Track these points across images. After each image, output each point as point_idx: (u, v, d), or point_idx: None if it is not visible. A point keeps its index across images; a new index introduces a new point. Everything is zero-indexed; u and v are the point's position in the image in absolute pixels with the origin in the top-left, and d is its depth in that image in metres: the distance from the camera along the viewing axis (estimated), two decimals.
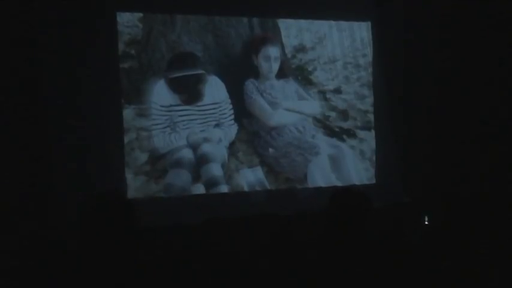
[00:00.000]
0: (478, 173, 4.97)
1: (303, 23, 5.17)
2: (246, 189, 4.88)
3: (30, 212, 4.16)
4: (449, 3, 5.14)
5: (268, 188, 4.96)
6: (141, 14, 4.67)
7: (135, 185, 4.56)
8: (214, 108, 4.80)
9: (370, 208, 2.43)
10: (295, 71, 5.16)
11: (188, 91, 4.74)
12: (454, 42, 5.20)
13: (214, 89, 4.82)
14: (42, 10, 4.26)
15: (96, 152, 4.39)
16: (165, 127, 4.68)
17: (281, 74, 5.06)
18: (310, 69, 5.20)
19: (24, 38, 4.21)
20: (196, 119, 4.75)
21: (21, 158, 4.18)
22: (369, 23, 5.39)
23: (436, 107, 5.25)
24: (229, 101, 4.86)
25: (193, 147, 4.73)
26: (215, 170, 4.76)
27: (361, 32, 5.37)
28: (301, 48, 5.19)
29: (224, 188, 4.79)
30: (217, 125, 4.82)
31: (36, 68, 4.27)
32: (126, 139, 4.56)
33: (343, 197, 2.49)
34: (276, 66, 5.02)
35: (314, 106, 5.19)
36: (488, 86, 5.09)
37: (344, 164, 5.16)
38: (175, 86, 4.70)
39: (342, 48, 5.31)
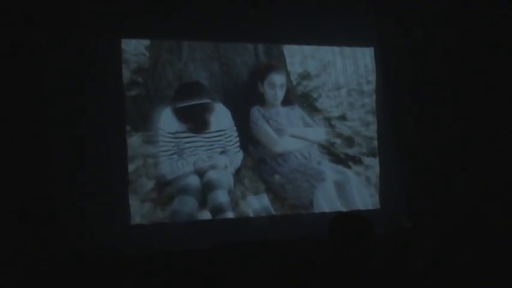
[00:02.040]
0: (483, 199, 4.97)
1: (308, 50, 5.22)
2: (251, 215, 4.88)
3: (33, 239, 4.18)
4: (451, 27, 5.19)
5: (274, 214, 4.95)
6: (148, 42, 4.73)
7: (141, 212, 4.57)
8: (220, 135, 4.83)
9: (371, 231, 2.42)
10: (301, 98, 5.20)
11: (194, 121, 4.78)
12: (457, 66, 5.23)
13: (220, 117, 4.85)
14: (47, 36, 4.33)
15: (102, 179, 4.41)
16: (172, 154, 4.70)
17: (286, 101, 5.10)
18: (315, 96, 5.24)
19: (29, 64, 4.27)
20: (202, 146, 4.78)
21: (24, 184, 4.21)
22: (372, 49, 5.43)
23: (440, 132, 5.26)
24: (234, 128, 4.90)
25: (200, 174, 4.75)
26: (221, 196, 4.77)
27: (365, 58, 5.41)
28: (306, 76, 5.23)
29: (230, 215, 4.79)
30: (223, 152, 4.84)
31: (41, 95, 4.32)
32: (133, 166, 4.58)
33: (342, 221, 2.48)
34: (281, 94, 5.06)
35: (319, 133, 5.21)
36: (494, 111, 5.11)
37: (349, 190, 5.16)
38: (182, 115, 4.74)
39: (346, 75, 5.35)
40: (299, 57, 5.21)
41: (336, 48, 5.33)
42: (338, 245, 2.41)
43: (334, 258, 2.41)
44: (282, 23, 4.99)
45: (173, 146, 4.71)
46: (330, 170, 5.15)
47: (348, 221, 2.48)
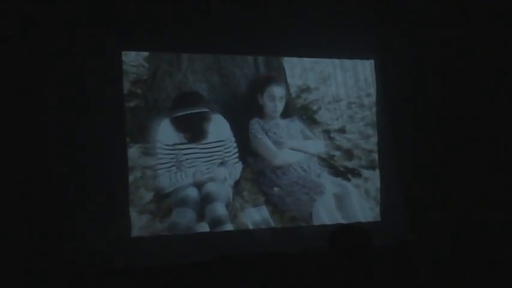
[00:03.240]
0: (485, 210, 4.95)
1: (308, 63, 5.22)
2: (250, 228, 4.84)
3: (36, 254, 4.13)
4: (452, 40, 5.19)
5: (273, 226, 4.90)
6: (147, 54, 4.72)
7: (139, 224, 4.53)
8: (218, 146, 4.80)
9: (371, 243, 2.39)
10: (300, 111, 5.18)
11: (192, 129, 4.75)
12: (456, 80, 5.24)
13: (219, 127, 4.83)
14: (48, 47, 4.32)
15: (101, 190, 4.38)
16: (171, 166, 4.67)
17: (286, 114, 5.08)
18: (314, 108, 5.23)
19: (29, 75, 4.26)
20: (201, 158, 4.75)
21: (25, 195, 4.17)
22: (372, 61, 5.43)
23: (441, 144, 5.25)
24: (233, 139, 4.87)
25: (198, 186, 4.71)
26: (219, 209, 4.72)
27: (365, 71, 5.40)
28: (305, 88, 5.22)
29: (229, 227, 4.74)
30: (221, 164, 4.81)
31: (41, 106, 4.30)
32: (131, 177, 4.55)
33: (342, 233, 2.46)
34: (280, 106, 5.04)
35: (319, 145, 5.19)
36: (496, 124, 5.11)
37: (349, 203, 5.13)
38: (180, 124, 4.71)
39: (346, 88, 5.34)
40: (299, 69, 5.20)
41: (336, 61, 5.33)
42: (338, 257, 2.39)
43: (334, 270, 2.39)
44: (282, 36, 4.99)
45: (171, 158, 4.68)
46: (329, 183, 5.12)
47: (348, 233, 2.47)
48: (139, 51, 4.71)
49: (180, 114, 4.71)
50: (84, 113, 4.39)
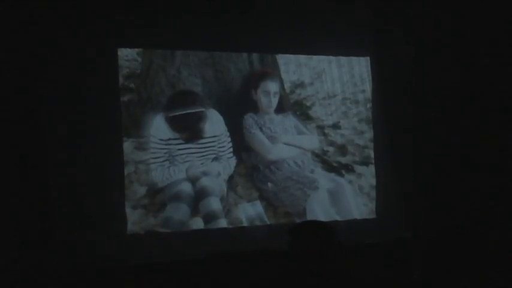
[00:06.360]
0: (480, 208, 4.96)
1: (302, 58, 5.21)
2: (244, 223, 4.83)
3: (31, 247, 4.11)
4: (448, 39, 5.19)
5: (267, 222, 4.91)
6: (140, 48, 4.71)
7: (133, 218, 4.51)
8: (213, 141, 4.79)
9: (333, 239, 2.32)
10: (294, 106, 5.18)
11: (189, 130, 4.73)
12: (453, 78, 5.24)
13: (214, 123, 4.81)
14: (45, 42, 4.30)
15: (96, 185, 4.36)
16: (164, 161, 4.66)
17: (280, 109, 5.08)
18: (308, 104, 5.22)
19: (24, 69, 4.23)
20: (195, 153, 4.74)
21: (21, 190, 4.15)
22: (368, 58, 5.42)
23: (436, 142, 5.26)
24: (227, 133, 4.86)
25: (192, 180, 4.70)
26: (214, 204, 4.72)
27: (360, 67, 5.40)
28: (299, 84, 5.22)
29: (223, 222, 4.74)
30: (215, 159, 4.80)
31: (36, 100, 4.28)
32: (125, 172, 4.53)
33: (302, 230, 2.39)
34: (275, 101, 5.04)
35: (313, 141, 5.20)
36: (492, 122, 5.11)
37: (343, 198, 5.13)
38: (176, 124, 4.69)
39: (340, 83, 5.34)
40: (293, 65, 5.20)
41: (331, 57, 5.33)
42: (299, 255, 2.33)
43: (297, 269, 2.33)
44: (277, 33, 4.99)
45: (165, 153, 4.66)
46: (323, 178, 5.12)
47: (308, 229, 2.41)
48: (134, 48, 4.69)
49: (175, 114, 4.69)
50: (79, 109, 4.37)
